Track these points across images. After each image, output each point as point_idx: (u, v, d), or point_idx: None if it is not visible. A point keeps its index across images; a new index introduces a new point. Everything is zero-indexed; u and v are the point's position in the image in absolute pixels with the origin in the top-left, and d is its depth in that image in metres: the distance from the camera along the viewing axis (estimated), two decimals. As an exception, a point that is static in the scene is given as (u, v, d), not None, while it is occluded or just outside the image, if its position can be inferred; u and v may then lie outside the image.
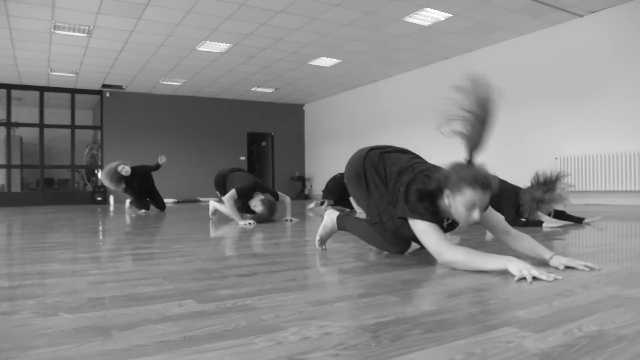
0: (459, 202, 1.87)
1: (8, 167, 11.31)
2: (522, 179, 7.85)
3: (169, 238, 3.42)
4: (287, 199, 5.12)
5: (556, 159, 7.57)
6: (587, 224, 3.99)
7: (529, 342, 1.01)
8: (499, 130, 8.21)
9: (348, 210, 6.68)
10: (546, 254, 1.96)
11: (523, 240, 2.05)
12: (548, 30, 7.75)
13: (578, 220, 4.02)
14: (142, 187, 7.16)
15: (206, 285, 1.68)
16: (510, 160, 8.31)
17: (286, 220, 4.77)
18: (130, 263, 2.29)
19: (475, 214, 1.88)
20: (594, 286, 1.57)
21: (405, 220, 2.00)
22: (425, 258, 2.20)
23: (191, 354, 0.96)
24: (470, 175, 1.86)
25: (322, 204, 7.16)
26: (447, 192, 1.91)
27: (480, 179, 1.85)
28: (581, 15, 7.19)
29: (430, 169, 2.06)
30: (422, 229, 1.92)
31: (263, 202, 4.64)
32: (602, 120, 7.04)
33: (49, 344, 1.04)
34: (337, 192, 6.97)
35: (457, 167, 1.93)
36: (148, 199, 7.27)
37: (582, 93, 7.27)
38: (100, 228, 4.48)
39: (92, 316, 1.27)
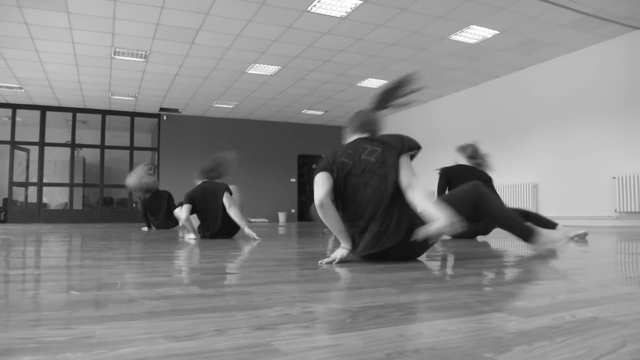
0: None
1: (71, 185, 12.01)
2: (579, 200, 7.57)
3: (205, 245, 3.52)
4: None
5: (614, 178, 7.20)
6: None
7: (511, 325, 0.98)
8: (554, 150, 7.93)
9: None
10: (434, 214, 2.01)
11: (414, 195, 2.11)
12: (602, 44, 7.48)
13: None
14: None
15: (217, 277, 1.73)
16: (566, 179, 7.99)
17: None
18: (156, 262, 2.37)
19: None
20: (613, 285, 1.49)
21: None
22: (447, 262, 2.15)
23: (170, 321, 1.00)
24: (355, 123, 2.37)
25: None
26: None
27: (362, 124, 2.35)
28: (637, 28, 6.91)
29: None
30: (315, 180, 2.20)
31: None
32: (663, 137, 6.66)
33: (47, 309, 1.12)
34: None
35: (353, 115, 2.44)
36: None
37: (640, 109, 6.93)
38: (146, 238, 4.66)
39: (98, 294, 1.35)
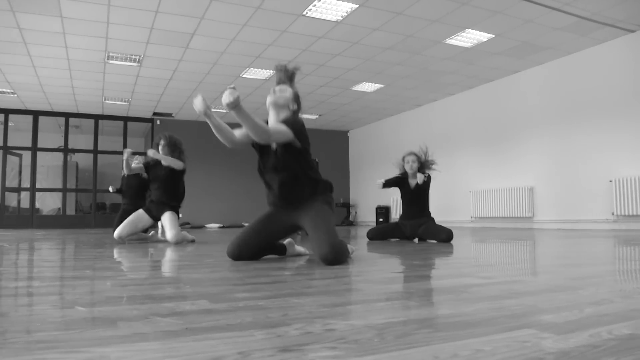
0: None
1: (64, 190, 11.87)
2: (575, 203, 7.57)
3: (203, 253, 3.46)
4: None
5: (610, 181, 7.21)
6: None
7: (547, 343, 0.93)
8: (550, 153, 7.96)
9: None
10: None
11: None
12: (597, 48, 7.50)
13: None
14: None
15: (225, 289, 1.67)
16: (562, 183, 7.99)
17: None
18: (157, 272, 2.31)
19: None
20: (636, 296, 1.45)
21: None
22: (457, 270, 2.11)
23: (187, 342, 0.94)
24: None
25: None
26: None
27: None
28: (632, 31, 6.93)
29: None
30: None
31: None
32: (659, 140, 6.68)
33: (55, 329, 1.05)
34: None
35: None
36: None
37: (636, 112, 6.94)
38: (141, 245, 4.58)
39: (104, 310, 1.28)
